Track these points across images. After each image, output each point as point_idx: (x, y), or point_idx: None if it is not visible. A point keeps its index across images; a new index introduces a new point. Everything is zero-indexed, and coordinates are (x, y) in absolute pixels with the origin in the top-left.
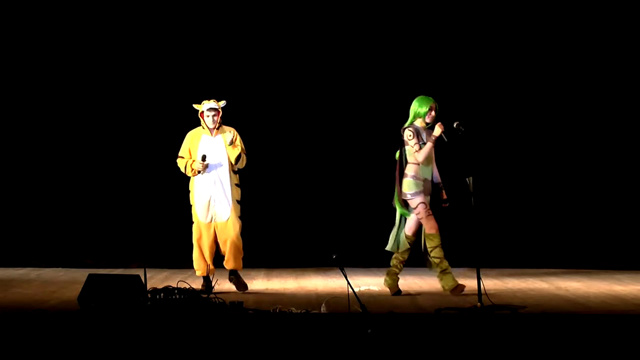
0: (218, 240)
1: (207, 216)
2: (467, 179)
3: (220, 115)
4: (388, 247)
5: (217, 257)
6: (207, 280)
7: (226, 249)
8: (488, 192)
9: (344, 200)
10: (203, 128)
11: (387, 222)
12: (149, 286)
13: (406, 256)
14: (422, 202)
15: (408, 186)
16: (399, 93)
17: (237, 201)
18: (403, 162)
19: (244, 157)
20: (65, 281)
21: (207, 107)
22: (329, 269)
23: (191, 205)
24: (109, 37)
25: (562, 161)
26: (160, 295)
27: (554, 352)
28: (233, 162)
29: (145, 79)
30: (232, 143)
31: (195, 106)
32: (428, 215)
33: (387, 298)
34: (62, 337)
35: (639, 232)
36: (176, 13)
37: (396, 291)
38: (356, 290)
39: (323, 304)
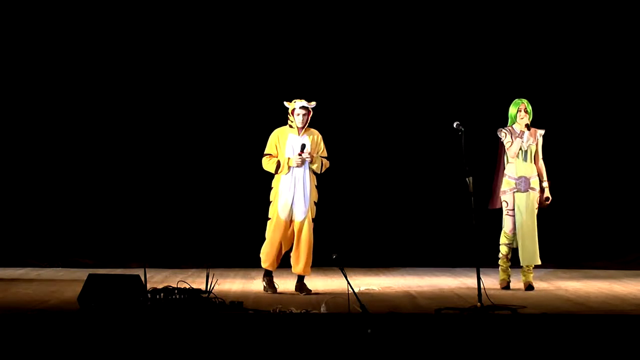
0: (292, 241)
1: (287, 214)
2: (467, 179)
3: (310, 116)
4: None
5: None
6: (270, 274)
7: (298, 251)
8: (488, 192)
9: (344, 201)
10: (291, 127)
11: (388, 222)
12: (149, 286)
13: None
14: (505, 201)
15: (503, 184)
16: (396, 94)
17: (315, 202)
18: (505, 162)
19: (325, 162)
20: (65, 281)
21: (299, 105)
22: (329, 268)
23: (270, 202)
24: (116, 34)
25: (561, 161)
26: (160, 295)
27: (554, 352)
28: (317, 172)
29: (144, 78)
30: (310, 157)
31: (286, 103)
32: (506, 214)
33: (387, 298)
34: (62, 337)
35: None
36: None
37: (505, 285)
38: (356, 290)
39: (323, 304)
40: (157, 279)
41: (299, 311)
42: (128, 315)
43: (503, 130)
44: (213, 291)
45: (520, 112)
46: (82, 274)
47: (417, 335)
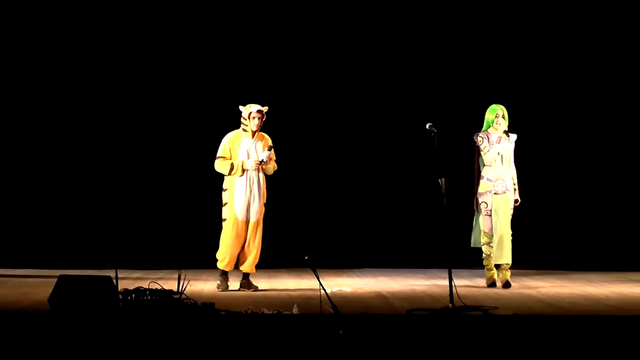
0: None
1: (244, 215)
2: (439, 179)
3: (263, 120)
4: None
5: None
6: (226, 275)
7: (248, 250)
8: (461, 193)
9: (316, 202)
10: (244, 130)
11: (360, 223)
12: (120, 287)
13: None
14: (484, 202)
15: (481, 186)
16: (370, 96)
17: (264, 204)
18: (480, 165)
19: (274, 165)
20: (36, 282)
21: (256, 109)
22: (301, 270)
23: (224, 204)
24: (100, 36)
25: (535, 162)
26: (131, 297)
27: (525, 353)
28: (269, 173)
29: (116, 81)
30: (264, 161)
31: (242, 108)
32: (486, 214)
33: (359, 299)
34: (33, 338)
35: (612, 234)
36: (210, 16)
37: (491, 282)
38: (328, 291)
39: (295, 305)
40: (129, 280)
41: (271, 312)
42: (99, 317)
43: (480, 135)
44: (185, 292)
45: (497, 118)
46: (54, 275)
47: (389, 336)
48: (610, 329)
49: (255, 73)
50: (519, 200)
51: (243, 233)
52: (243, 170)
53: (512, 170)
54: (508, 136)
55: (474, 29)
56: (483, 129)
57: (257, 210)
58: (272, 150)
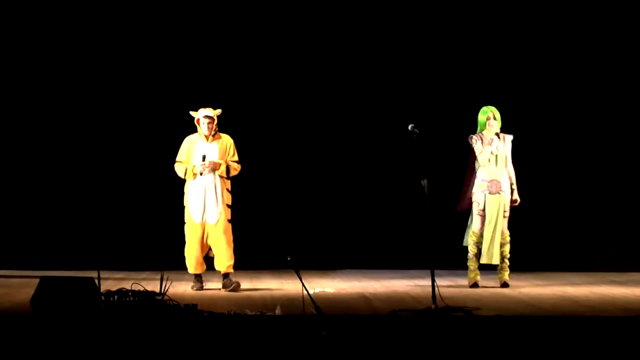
0: (209, 242)
1: (200, 217)
2: (421, 181)
3: (215, 124)
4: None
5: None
6: (199, 277)
7: (219, 252)
8: (444, 194)
9: (299, 202)
10: (200, 134)
11: (343, 224)
12: (102, 288)
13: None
14: (477, 201)
15: (475, 186)
16: (353, 96)
17: (228, 205)
18: (475, 166)
19: (234, 166)
20: (18, 283)
21: (202, 115)
22: (284, 270)
23: (184, 207)
24: (94, 40)
25: (516, 163)
26: (114, 298)
27: (507, 353)
28: (224, 176)
29: (92, 83)
30: (211, 166)
31: (191, 113)
32: (477, 214)
33: (341, 300)
34: (14, 341)
35: (592, 234)
36: (173, 18)
37: (473, 283)
38: (311, 292)
39: (278, 306)
40: (111, 281)
41: (253, 313)
42: (82, 318)
43: (473, 137)
44: (167, 294)
45: (489, 120)
46: (35, 276)
47: (372, 337)
48: (591, 330)
49: (239, 74)
50: (518, 200)
51: (203, 235)
52: (194, 174)
53: (510, 170)
54: (500, 137)
55: (455, 29)
56: (477, 131)
57: (215, 212)
58: (207, 159)
